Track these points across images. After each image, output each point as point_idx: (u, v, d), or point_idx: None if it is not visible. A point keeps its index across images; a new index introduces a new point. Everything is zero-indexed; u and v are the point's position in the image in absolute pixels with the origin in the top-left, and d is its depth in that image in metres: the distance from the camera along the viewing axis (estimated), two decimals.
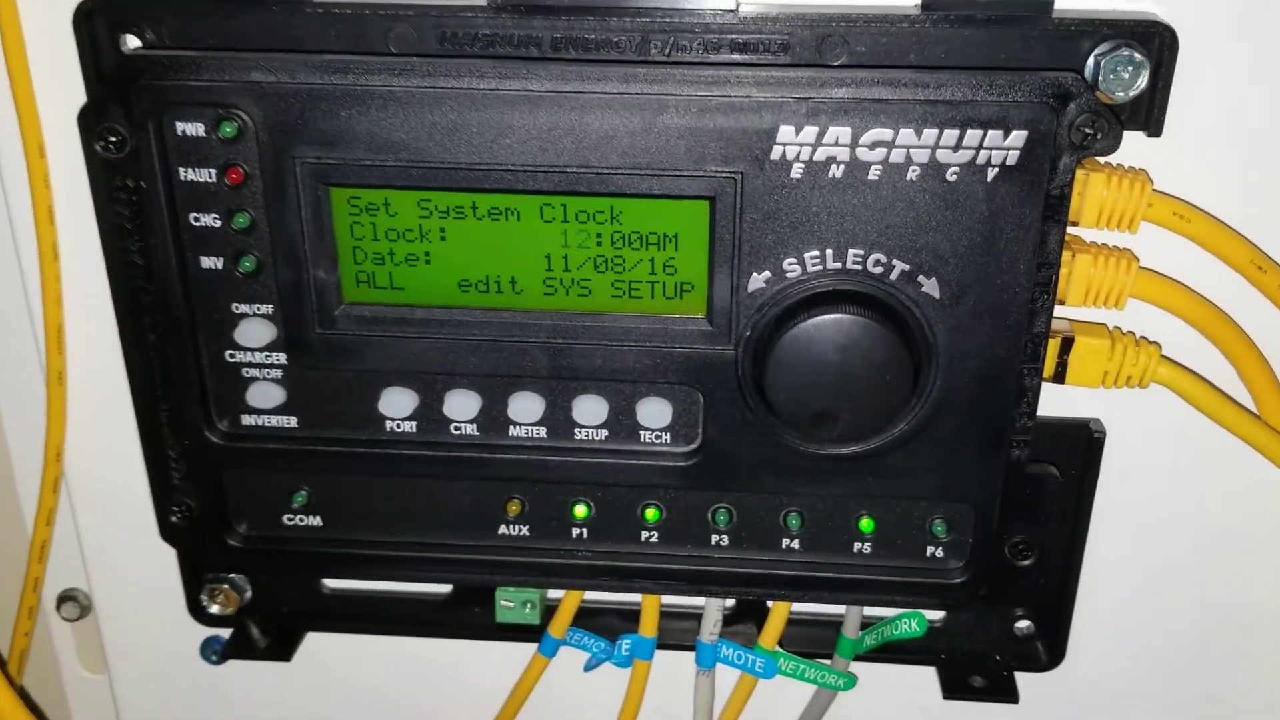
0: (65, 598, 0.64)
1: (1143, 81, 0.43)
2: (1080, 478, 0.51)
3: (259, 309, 0.48)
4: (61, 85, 0.48)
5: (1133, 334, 0.48)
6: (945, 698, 0.56)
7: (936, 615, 0.56)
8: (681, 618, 0.57)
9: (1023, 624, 0.56)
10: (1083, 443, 0.51)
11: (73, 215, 0.51)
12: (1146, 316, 0.48)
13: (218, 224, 0.46)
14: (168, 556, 0.57)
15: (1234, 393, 0.48)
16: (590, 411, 0.49)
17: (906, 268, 0.44)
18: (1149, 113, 0.44)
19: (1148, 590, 0.56)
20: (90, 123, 0.45)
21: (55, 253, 0.52)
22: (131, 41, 0.46)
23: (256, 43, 0.45)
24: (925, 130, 0.42)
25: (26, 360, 0.56)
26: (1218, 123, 0.46)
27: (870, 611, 0.56)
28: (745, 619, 0.57)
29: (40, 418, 0.55)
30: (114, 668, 0.64)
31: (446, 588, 0.58)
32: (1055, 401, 0.49)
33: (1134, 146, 0.45)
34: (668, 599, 0.56)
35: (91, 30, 0.45)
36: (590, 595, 0.56)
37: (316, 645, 0.60)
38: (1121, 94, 0.43)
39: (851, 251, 0.44)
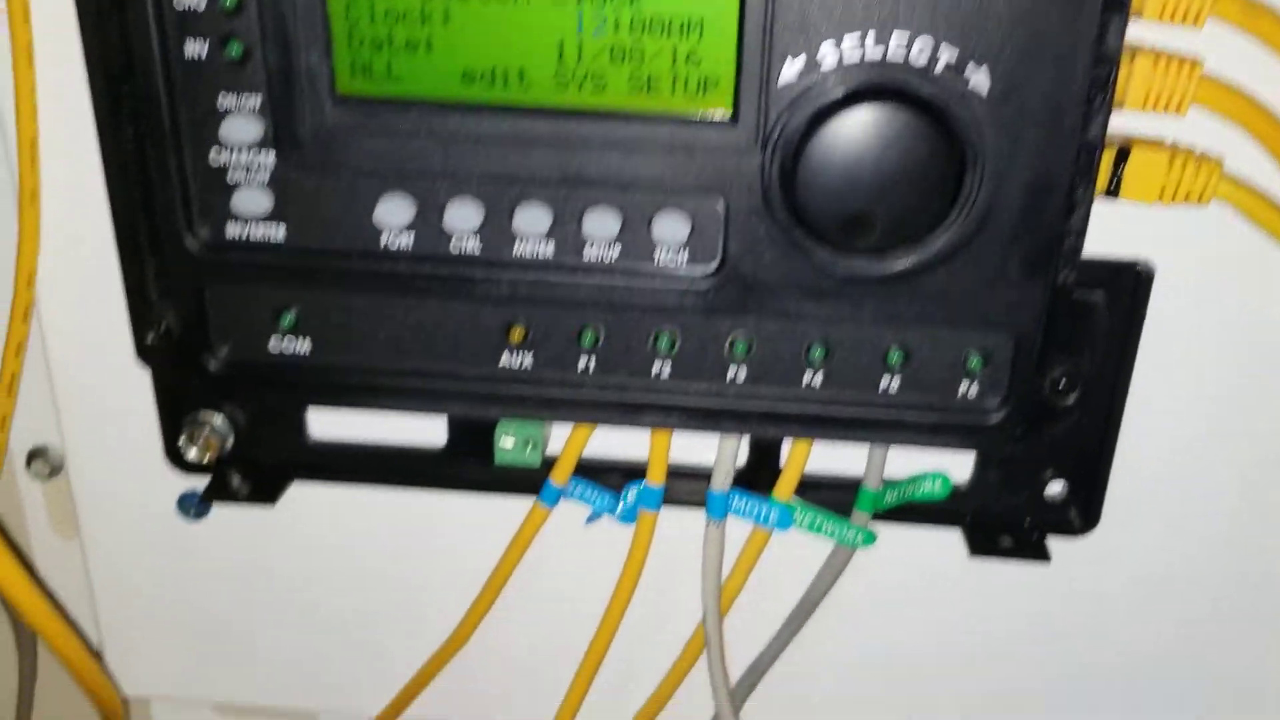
0: (35, 454, 0.61)
1: None
2: (1127, 317, 0.48)
3: (246, 101, 0.44)
4: None
5: (1192, 149, 0.44)
6: (971, 555, 0.53)
7: (960, 478, 0.53)
8: (691, 477, 0.54)
9: (1055, 486, 0.52)
10: (1129, 281, 0.47)
11: (49, 11, 0.47)
12: (1205, 132, 0.44)
13: (202, 5, 0.43)
14: (146, 399, 0.53)
15: None
16: (601, 225, 0.45)
17: (954, 57, 0.41)
18: None
19: (1190, 449, 0.52)
20: None
21: (30, 55, 0.48)
22: None
23: None
24: None
25: None
26: None
27: (890, 474, 0.52)
28: (758, 476, 0.53)
29: (11, 240, 0.51)
30: (86, 531, 0.60)
31: (441, 439, 0.54)
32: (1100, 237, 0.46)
33: None
34: (677, 455, 0.52)
35: None
36: (594, 450, 0.53)
37: (301, 504, 0.57)
38: None
39: (895, 34, 0.40)
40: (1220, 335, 0.50)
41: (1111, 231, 0.46)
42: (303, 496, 0.56)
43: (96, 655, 0.62)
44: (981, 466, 0.52)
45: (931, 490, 0.52)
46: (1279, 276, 0.47)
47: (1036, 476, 0.52)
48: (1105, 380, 0.49)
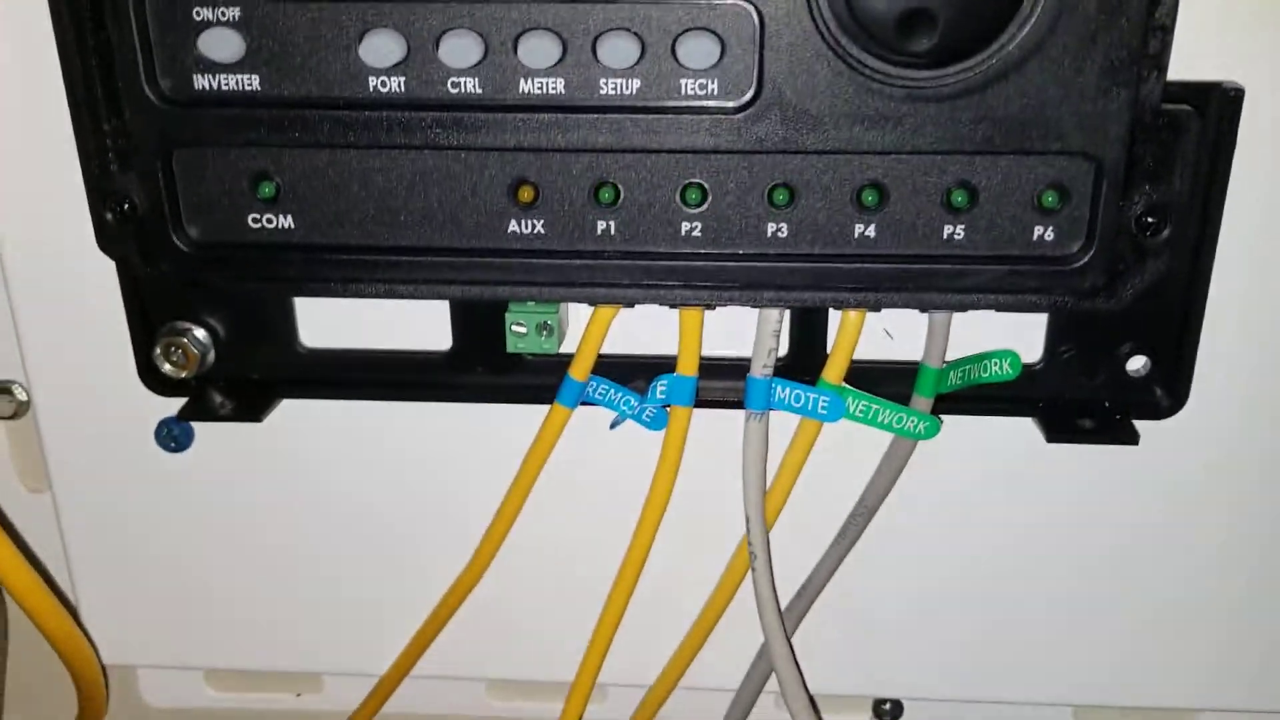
0: None
1: None
2: (1214, 146, 0.42)
3: None
4: None
5: None
6: (1049, 440, 0.47)
7: (1032, 357, 0.47)
8: (724, 373, 0.48)
9: (1136, 361, 0.46)
10: (1217, 104, 0.42)
11: None
12: None
13: None
14: (120, 321, 0.47)
15: None
16: (618, 52, 0.39)
17: None
18: None
19: None
20: None
21: None
22: None
23: None
24: None
25: None
26: None
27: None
28: (801, 365, 0.47)
29: None
30: (56, 475, 0.54)
31: (444, 344, 0.49)
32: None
33: None
34: (709, 350, 0.47)
35: None
36: (615, 346, 0.47)
37: (294, 435, 0.51)
38: None
39: None
40: None
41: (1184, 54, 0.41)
42: (295, 426, 0.51)
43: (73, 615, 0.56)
44: (1054, 341, 0.46)
45: (1000, 371, 0.46)
46: None
47: (1114, 352, 0.46)
48: (1189, 230, 0.43)
